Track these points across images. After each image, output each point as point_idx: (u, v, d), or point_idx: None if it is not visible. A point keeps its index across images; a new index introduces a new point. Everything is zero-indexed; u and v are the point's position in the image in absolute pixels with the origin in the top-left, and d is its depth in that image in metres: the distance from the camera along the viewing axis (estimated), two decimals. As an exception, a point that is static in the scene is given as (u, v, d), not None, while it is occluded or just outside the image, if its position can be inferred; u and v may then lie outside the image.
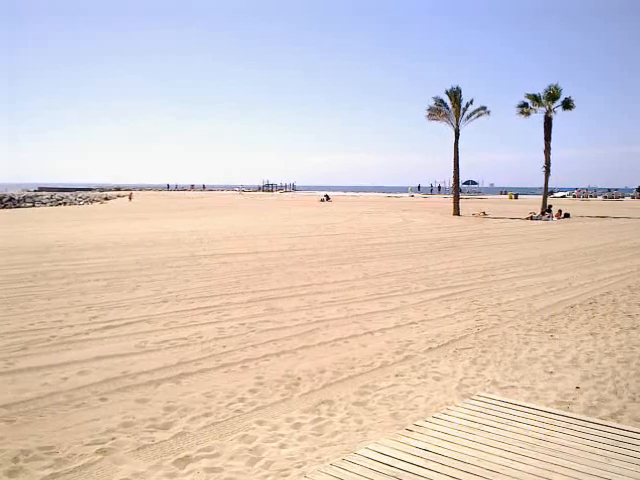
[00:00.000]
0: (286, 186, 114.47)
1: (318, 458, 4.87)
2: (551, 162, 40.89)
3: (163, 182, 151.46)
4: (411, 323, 9.55)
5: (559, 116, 44.72)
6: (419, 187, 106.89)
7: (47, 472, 4.64)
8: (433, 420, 5.19)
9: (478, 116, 41.61)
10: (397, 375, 7.02)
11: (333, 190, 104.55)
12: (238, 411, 5.89)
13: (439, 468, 4.27)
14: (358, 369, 7.23)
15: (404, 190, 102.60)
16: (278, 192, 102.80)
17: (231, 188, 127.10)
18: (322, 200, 66.01)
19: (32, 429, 5.42)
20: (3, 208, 58.30)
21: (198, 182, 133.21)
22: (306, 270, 15.04)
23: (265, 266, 15.65)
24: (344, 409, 5.98)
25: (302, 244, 21.35)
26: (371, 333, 8.92)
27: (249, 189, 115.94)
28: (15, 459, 4.83)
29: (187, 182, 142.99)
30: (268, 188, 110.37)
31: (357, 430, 5.45)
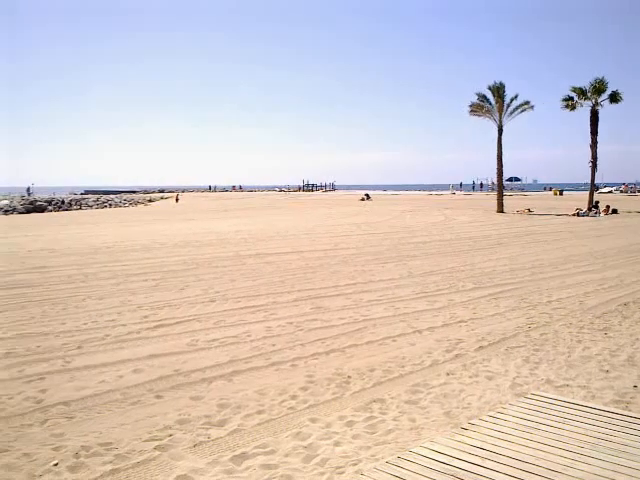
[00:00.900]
0: (326, 185, 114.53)
1: (373, 456, 4.87)
2: (597, 157, 39.94)
3: (204, 184, 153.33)
4: (460, 321, 9.46)
5: (606, 110, 43.65)
6: (461, 184, 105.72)
7: (107, 467, 4.75)
8: (488, 419, 5.13)
9: (522, 111, 40.88)
10: (448, 374, 6.97)
11: (373, 189, 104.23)
12: (291, 409, 5.94)
13: (497, 467, 4.22)
14: (408, 367, 7.20)
15: (445, 188, 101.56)
16: (318, 192, 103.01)
17: (271, 188, 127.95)
18: (362, 199, 65.81)
19: (91, 425, 5.57)
20: (52, 211, 59.93)
21: (236, 183, 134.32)
22: (350, 269, 15.04)
23: (309, 265, 15.71)
24: (396, 407, 5.96)
25: (345, 243, 21.35)
26: (419, 332, 8.87)
27: (289, 189, 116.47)
28: (76, 454, 4.96)
29: (228, 183, 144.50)
30: (308, 188, 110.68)
31: (411, 429, 5.43)
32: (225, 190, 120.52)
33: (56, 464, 4.79)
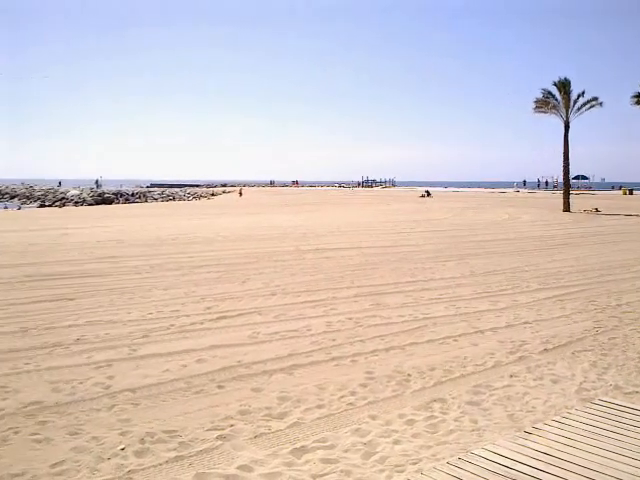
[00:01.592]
0: (386, 182, 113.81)
1: (433, 456, 4.83)
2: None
3: (265, 179, 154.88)
4: (524, 323, 9.24)
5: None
6: (524, 182, 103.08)
7: (172, 454, 4.88)
8: (553, 424, 5.00)
9: (590, 107, 39.42)
10: (512, 376, 6.82)
11: (433, 185, 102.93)
12: (350, 404, 5.95)
13: (561, 473, 4.11)
14: (470, 368, 7.09)
15: (509, 185, 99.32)
16: (378, 188, 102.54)
17: (331, 184, 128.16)
18: (422, 196, 65.15)
19: (156, 413, 5.72)
20: (119, 203, 61.93)
21: (295, 178, 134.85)
22: (410, 266, 14.92)
23: (369, 261, 15.67)
24: (457, 408, 5.88)
25: (405, 240, 21.19)
26: (481, 332, 8.72)
27: (349, 185, 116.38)
28: (142, 440, 5.11)
29: (287, 178, 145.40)
30: (368, 184, 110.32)
31: (472, 430, 5.35)
32: (285, 185, 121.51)
33: (123, 448, 4.95)
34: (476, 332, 8.70)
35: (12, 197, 79.47)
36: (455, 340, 8.31)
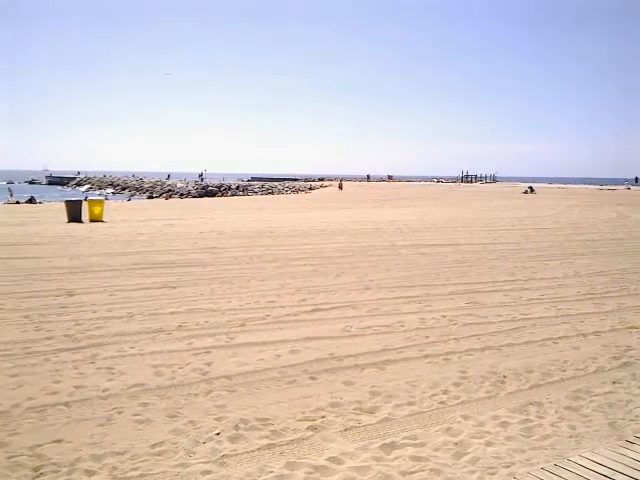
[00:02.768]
0: (486, 177, 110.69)
1: (527, 460, 4.69)
2: None
3: (361, 173, 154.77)
4: (630, 327, 8.74)
5: None
6: (637, 179, 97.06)
7: (264, 442, 5.02)
8: (660, 435, 4.73)
9: None
10: (614, 382, 6.49)
11: (537, 181, 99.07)
12: (442, 403, 5.88)
13: (667, 488, 3.90)
14: (570, 372, 6.81)
15: (619, 182, 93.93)
16: (478, 183, 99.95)
17: (428, 179, 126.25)
18: (525, 192, 62.84)
19: (250, 400, 5.91)
20: (221, 196, 64.08)
21: (391, 172, 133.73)
22: (509, 265, 14.47)
23: (466, 259, 15.35)
24: (555, 413, 5.67)
25: (504, 237, 20.57)
26: (584, 335, 8.33)
27: (447, 180, 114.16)
28: (236, 426, 5.29)
29: (384, 173, 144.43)
30: (467, 179, 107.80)
31: (570, 436, 5.14)
32: (382, 180, 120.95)
33: (218, 433, 5.15)
34: (578, 335, 8.33)
35: (123, 189, 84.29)
36: (555, 342, 8.00)
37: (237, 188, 75.03)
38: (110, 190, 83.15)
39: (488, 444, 4.99)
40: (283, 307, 9.71)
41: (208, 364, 6.90)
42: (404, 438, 5.09)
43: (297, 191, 75.76)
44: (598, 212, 34.34)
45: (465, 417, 5.54)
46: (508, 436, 5.15)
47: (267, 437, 5.11)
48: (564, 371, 6.85)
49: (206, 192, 67.43)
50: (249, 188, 76.57)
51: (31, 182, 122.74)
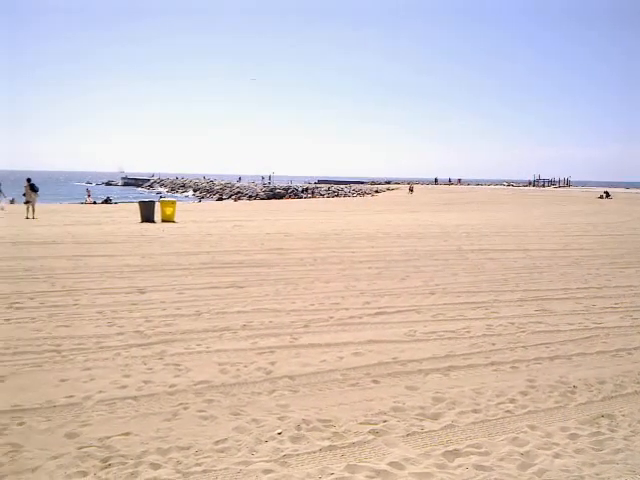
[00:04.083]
0: (559, 181, 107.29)
1: (597, 475, 4.50)
2: None
3: (429, 176, 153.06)
4: None
5: None
6: None
7: (325, 443, 5.01)
8: None
9: None
10: (695, 398, 6.15)
11: (614, 186, 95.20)
12: (508, 412, 5.72)
13: None
14: (646, 385, 6.50)
15: None
16: (551, 187, 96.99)
17: (498, 182, 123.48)
18: (601, 197, 60.63)
19: (313, 401, 5.91)
20: (288, 198, 64.75)
21: (460, 176, 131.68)
22: (582, 272, 13.96)
23: (536, 265, 14.91)
24: (628, 426, 5.42)
25: (577, 243, 19.87)
26: (661, 347, 7.94)
27: (518, 184, 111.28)
28: (298, 427, 5.31)
29: (453, 176, 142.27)
30: (540, 183, 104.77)
31: (644, 452, 4.90)
32: (450, 183, 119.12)
33: (280, 433, 5.18)
34: (655, 347, 7.95)
35: (195, 190, 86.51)
36: (629, 353, 7.66)
37: (304, 191, 75.62)
38: (190, 192, 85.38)
39: (556, 456, 4.82)
40: (347, 309, 9.69)
41: (272, 363, 6.96)
42: (468, 446, 4.98)
43: (363, 194, 75.67)
44: (680, 218, 32.66)
45: (532, 427, 5.37)
46: (577, 448, 4.95)
47: (328, 439, 5.10)
48: (639, 383, 6.54)
49: (274, 194, 68.33)
50: (316, 191, 77.04)
51: (107, 183, 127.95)
